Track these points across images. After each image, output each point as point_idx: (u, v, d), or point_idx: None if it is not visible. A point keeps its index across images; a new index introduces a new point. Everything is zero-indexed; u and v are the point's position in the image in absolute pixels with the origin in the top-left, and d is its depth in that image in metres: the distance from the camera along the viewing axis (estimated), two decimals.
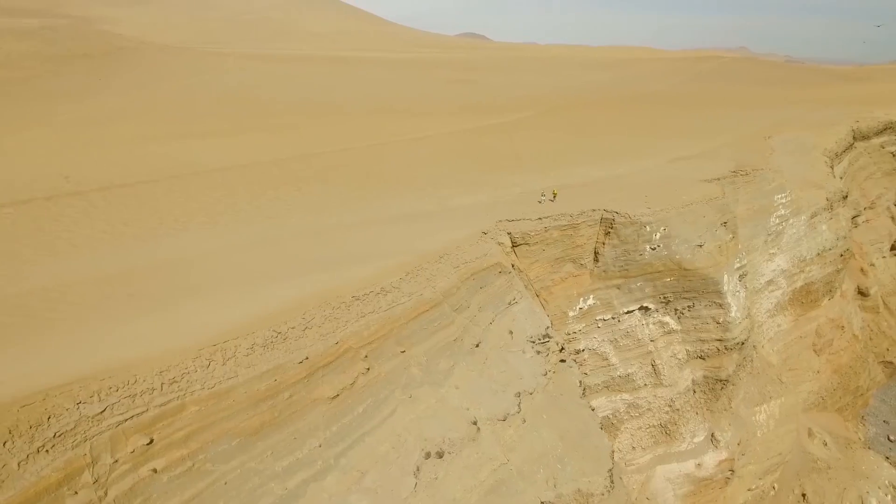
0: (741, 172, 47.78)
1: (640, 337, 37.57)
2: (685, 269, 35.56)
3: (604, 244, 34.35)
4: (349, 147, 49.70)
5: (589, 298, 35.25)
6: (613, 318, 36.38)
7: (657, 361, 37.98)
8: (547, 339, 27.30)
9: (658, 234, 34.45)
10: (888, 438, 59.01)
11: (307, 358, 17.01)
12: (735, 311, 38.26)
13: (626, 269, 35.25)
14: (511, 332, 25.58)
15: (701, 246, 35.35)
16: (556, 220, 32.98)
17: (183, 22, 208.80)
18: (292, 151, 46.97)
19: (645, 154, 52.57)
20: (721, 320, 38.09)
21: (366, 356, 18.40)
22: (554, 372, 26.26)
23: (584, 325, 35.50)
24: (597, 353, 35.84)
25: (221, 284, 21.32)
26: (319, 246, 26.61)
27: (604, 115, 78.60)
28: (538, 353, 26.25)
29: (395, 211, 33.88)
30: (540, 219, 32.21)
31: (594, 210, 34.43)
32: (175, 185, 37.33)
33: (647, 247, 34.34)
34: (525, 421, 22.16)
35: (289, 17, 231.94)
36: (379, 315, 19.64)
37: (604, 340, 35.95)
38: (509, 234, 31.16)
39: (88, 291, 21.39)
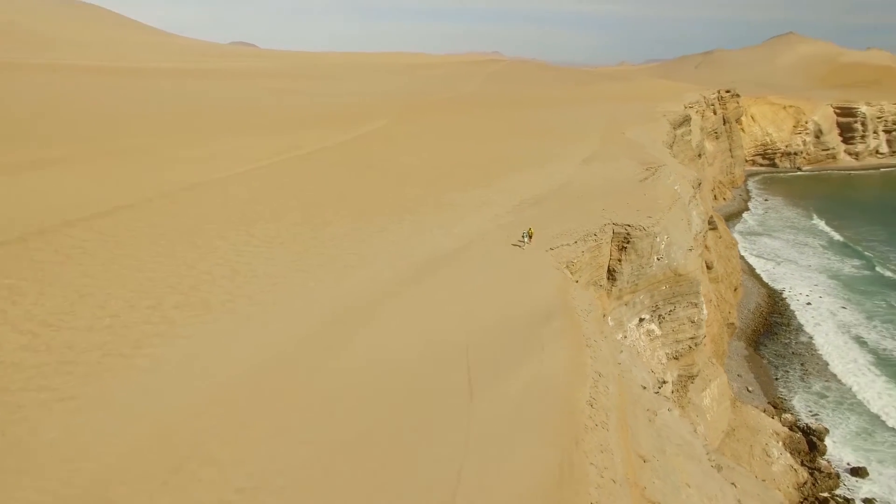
0: (650, 169, 53.99)
1: (639, 350, 39.61)
2: (679, 275, 38.66)
3: (619, 261, 35.21)
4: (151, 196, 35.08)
5: (608, 321, 35.70)
6: (624, 337, 37.58)
7: (651, 370, 40.59)
8: None
9: (664, 244, 36.64)
10: (747, 390, 73.15)
11: None
12: (704, 308, 43.03)
13: (637, 284, 36.76)
14: None
15: (691, 250, 38.72)
16: (585, 240, 32.39)
17: None
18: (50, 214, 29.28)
19: (556, 158, 55.85)
20: (696, 319, 42.49)
21: None
22: None
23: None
24: None
25: None
26: None
27: (468, 119, 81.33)
28: None
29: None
30: (576, 242, 31.24)
31: (605, 225, 34.91)
32: None
33: (655, 258, 36.27)
34: None
35: (40, 23, 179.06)
36: None
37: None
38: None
39: None
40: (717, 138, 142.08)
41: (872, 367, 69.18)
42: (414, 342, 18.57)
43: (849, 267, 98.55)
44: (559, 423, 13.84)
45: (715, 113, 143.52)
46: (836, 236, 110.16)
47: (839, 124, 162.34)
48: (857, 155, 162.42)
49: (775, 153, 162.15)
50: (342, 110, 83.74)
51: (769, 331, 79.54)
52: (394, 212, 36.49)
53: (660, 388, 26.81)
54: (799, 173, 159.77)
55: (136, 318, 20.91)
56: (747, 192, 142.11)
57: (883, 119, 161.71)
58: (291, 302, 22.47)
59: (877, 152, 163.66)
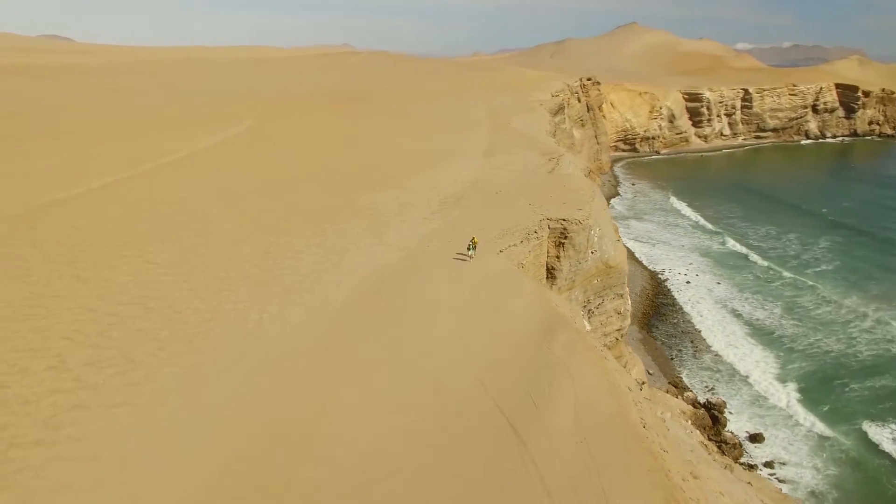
0: (553, 160, 55.94)
1: None
2: (609, 268, 40.12)
3: (558, 258, 35.63)
4: None
5: None
6: None
7: None
8: None
9: (597, 237, 37.73)
10: (648, 373, 78.69)
11: None
12: (628, 298, 45.24)
13: (573, 281, 37.50)
14: None
15: (618, 240, 40.33)
16: (528, 239, 32.38)
17: None
18: None
19: (457, 153, 56.03)
20: (622, 310, 44.56)
21: None
22: None
23: None
24: None
25: None
26: None
27: (345, 117, 78.55)
28: None
29: None
30: (522, 241, 31.07)
31: (541, 221, 35.19)
32: None
33: (591, 252, 37.24)
34: None
35: None
36: None
37: None
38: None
39: None
40: (582, 126, 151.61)
41: (748, 338, 76.88)
42: (417, 385, 16.74)
43: (716, 245, 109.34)
44: (639, 457, 12.98)
45: (579, 101, 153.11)
46: (701, 216, 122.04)
47: (688, 109, 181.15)
48: (705, 137, 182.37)
49: (635, 138, 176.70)
50: (197, 110, 77.22)
51: (657, 312, 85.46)
52: (309, 222, 33.81)
53: (640, 388, 27.26)
54: (658, 157, 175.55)
55: (38, 385, 16.88)
56: (615, 177, 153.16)
57: (724, 104, 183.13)
58: (242, 345, 19.51)
59: (721, 134, 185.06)
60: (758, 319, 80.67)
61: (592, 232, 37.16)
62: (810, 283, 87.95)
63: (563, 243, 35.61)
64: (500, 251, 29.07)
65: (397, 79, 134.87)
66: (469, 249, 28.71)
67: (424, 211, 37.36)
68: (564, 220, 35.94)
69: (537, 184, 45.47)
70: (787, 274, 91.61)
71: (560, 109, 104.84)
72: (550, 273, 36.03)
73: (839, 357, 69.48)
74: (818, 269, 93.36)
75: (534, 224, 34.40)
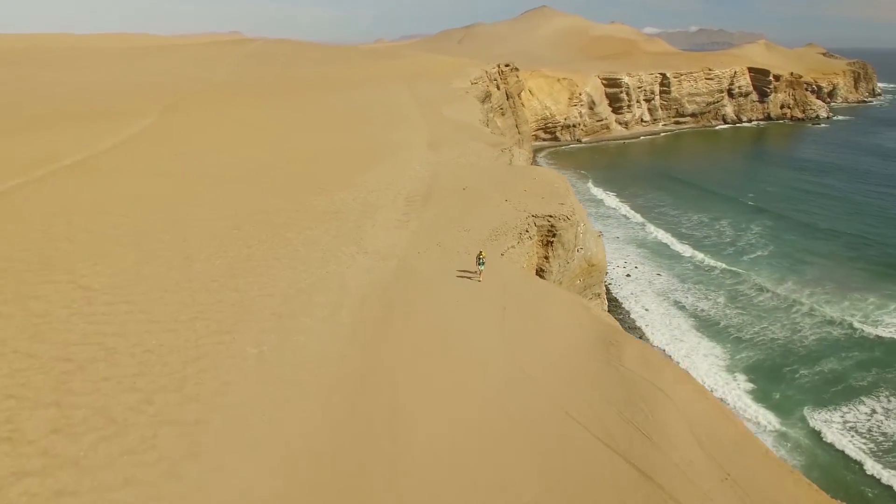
0: (505, 150, 55.53)
1: None
2: (592, 266, 39.77)
3: (547, 258, 34.71)
4: None
5: None
6: None
7: None
8: None
9: (581, 234, 37.15)
10: None
11: None
12: (605, 297, 45.21)
13: (560, 282, 36.73)
14: None
15: (599, 236, 40.01)
16: (522, 239, 31.21)
17: None
18: None
19: (401, 147, 54.35)
20: (602, 308, 44.32)
21: None
22: None
23: None
24: None
25: None
26: None
27: (261, 109, 74.09)
28: None
29: None
30: (519, 242, 29.86)
31: (527, 218, 34.19)
32: None
33: (577, 250, 36.62)
34: None
35: None
36: None
37: None
38: None
39: None
40: (503, 114, 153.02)
41: (695, 330, 79.71)
42: (488, 420, 14.80)
43: (650, 235, 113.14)
44: (806, 494, 11.85)
45: (498, 88, 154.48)
46: (631, 207, 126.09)
47: (608, 95, 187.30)
48: (626, 124, 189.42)
49: (556, 126, 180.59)
50: (88, 105, 70.29)
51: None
52: (265, 230, 30.82)
53: None
54: (580, 145, 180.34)
55: None
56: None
57: (642, 89, 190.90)
58: (251, 389, 16.75)
59: (641, 120, 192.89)
60: (702, 311, 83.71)
61: (579, 228, 36.45)
62: (749, 270, 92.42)
63: (552, 242, 34.64)
64: (502, 254, 27.53)
65: (305, 68, 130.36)
66: (479, 265, 26.42)
67: (394, 212, 35.21)
68: (551, 216, 34.98)
69: (503, 177, 44.38)
70: (725, 262, 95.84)
71: (487, 97, 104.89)
72: (539, 275, 34.96)
73: (786, 344, 73.05)
74: (754, 256, 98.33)
75: (522, 222, 33.16)
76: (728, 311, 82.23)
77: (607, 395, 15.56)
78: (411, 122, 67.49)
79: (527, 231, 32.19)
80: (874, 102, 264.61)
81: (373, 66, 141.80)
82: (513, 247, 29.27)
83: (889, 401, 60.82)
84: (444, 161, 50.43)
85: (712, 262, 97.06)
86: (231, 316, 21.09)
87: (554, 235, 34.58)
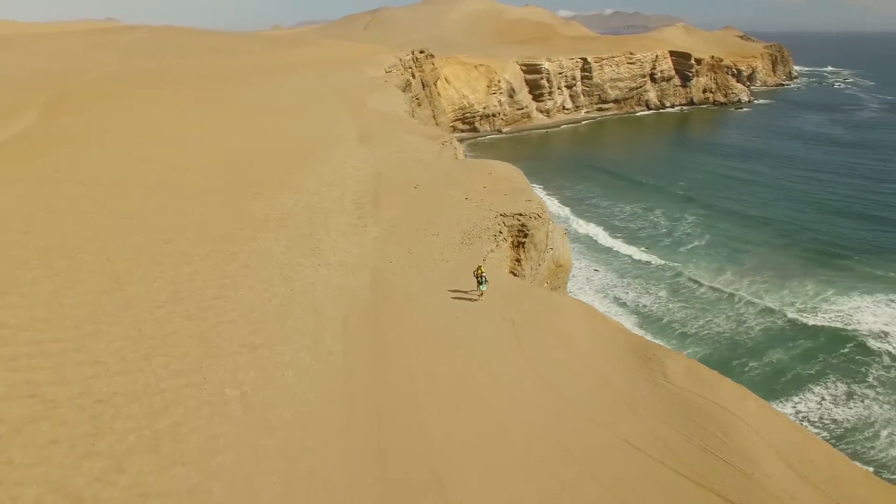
0: (445, 143, 54.78)
1: None
2: (559, 266, 39.39)
3: (518, 260, 33.94)
4: None
5: None
6: None
7: None
8: None
9: (551, 232, 36.66)
10: None
11: None
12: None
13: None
14: None
15: (564, 234, 39.70)
16: (498, 241, 30.27)
17: None
18: None
19: (333, 142, 52.30)
20: None
21: None
22: None
23: None
24: None
25: None
26: None
27: (165, 103, 69.33)
28: None
29: None
30: (497, 245, 28.90)
31: (496, 217, 33.31)
32: None
33: (549, 250, 36.12)
34: None
35: None
36: None
37: None
38: None
39: None
40: (419, 105, 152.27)
41: (638, 328, 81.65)
42: (542, 455, 13.51)
43: (583, 229, 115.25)
44: None
45: (414, 76, 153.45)
46: (559, 199, 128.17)
47: (528, 82, 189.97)
48: (548, 112, 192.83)
49: (474, 116, 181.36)
50: None
51: None
52: (202, 242, 28.23)
53: None
54: (501, 136, 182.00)
55: None
56: None
57: (563, 75, 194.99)
58: (246, 442, 14.67)
59: (563, 108, 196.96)
60: (644, 306, 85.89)
61: (550, 227, 35.83)
62: (687, 262, 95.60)
63: (524, 242, 33.79)
64: (484, 259, 26.34)
65: (204, 57, 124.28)
66: (481, 285, 24.31)
67: (345, 216, 33.33)
68: (521, 214, 34.12)
69: (454, 173, 43.29)
70: (663, 254, 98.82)
71: (407, 86, 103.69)
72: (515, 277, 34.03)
73: (732, 337, 75.88)
74: (691, 247, 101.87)
75: (492, 223, 32.11)
76: (671, 306, 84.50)
77: (666, 418, 14.70)
78: (335, 115, 65.24)
79: (500, 233, 31.17)
80: (792, 86, 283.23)
81: (278, 54, 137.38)
82: (492, 251, 28.15)
83: (836, 387, 64.16)
84: (382, 157, 48.76)
85: (650, 255, 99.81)
86: (193, 350, 18.79)
87: (525, 236, 33.74)
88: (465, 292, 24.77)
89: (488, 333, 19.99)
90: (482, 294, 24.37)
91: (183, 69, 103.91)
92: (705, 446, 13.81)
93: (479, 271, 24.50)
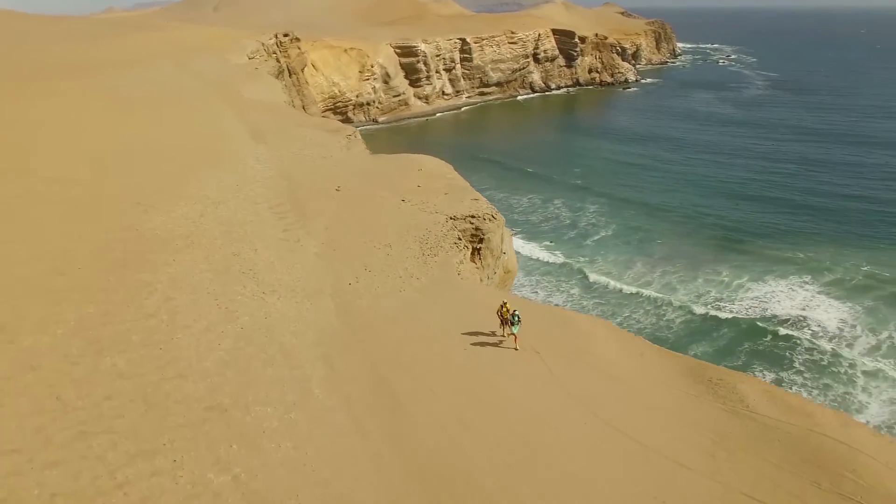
0: (350, 136, 52.82)
1: None
2: (507, 272, 38.30)
3: (461, 263, 32.35)
4: None
5: None
6: None
7: None
8: None
9: (503, 235, 35.44)
10: None
11: None
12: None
13: None
14: None
15: (513, 234, 38.58)
16: (461, 248, 28.56)
17: None
18: None
19: (223, 141, 48.58)
20: None
21: None
22: None
23: None
24: None
25: None
26: None
27: (33, 98, 61.70)
28: None
29: None
30: (466, 256, 27.15)
31: (446, 221, 31.62)
32: None
33: (503, 254, 34.89)
34: None
35: None
36: None
37: None
38: None
39: None
40: (286, 94, 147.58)
41: None
42: None
43: None
44: None
45: (278, 61, 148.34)
46: None
47: (403, 66, 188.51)
48: (426, 98, 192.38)
49: (347, 105, 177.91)
50: None
51: None
52: (107, 273, 24.33)
53: None
54: (377, 126, 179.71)
55: None
56: None
57: (441, 57, 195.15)
58: None
59: (443, 93, 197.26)
60: (557, 305, 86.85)
61: (504, 229, 34.41)
62: (596, 255, 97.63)
63: (479, 249, 32.12)
64: (458, 273, 24.41)
65: (40, 47, 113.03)
66: (512, 326, 20.78)
67: (269, 228, 30.22)
68: (473, 217, 32.44)
69: (376, 171, 41.05)
70: (570, 248, 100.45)
71: (280, 73, 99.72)
72: None
73: (654, 332, 78.15)
74: (597, 238, 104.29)
75: (445, 228, 30.22)
76: (585, 303, 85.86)
77: (773, 458, 13.44)
78: (213, 109, 60.86)
79: (459, 239, 29.31)
80: (677, 63, 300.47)
81: (129, 39, 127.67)
82: (462, 262, 26.25)
83: (764, 376, 67.43)
84: (284, 155, 45.59)
85: (556, 249, 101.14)
86: (142, 421, 15.51)
87: (481, 241, 32.08)
88: (485, 335, 21.76)
89: (512, 367, 18.06)
90: (516, 339, 20.93)
91: (18, 62, 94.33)
92: (839, 491, 12.67)
93: (505, 309, 21.27)
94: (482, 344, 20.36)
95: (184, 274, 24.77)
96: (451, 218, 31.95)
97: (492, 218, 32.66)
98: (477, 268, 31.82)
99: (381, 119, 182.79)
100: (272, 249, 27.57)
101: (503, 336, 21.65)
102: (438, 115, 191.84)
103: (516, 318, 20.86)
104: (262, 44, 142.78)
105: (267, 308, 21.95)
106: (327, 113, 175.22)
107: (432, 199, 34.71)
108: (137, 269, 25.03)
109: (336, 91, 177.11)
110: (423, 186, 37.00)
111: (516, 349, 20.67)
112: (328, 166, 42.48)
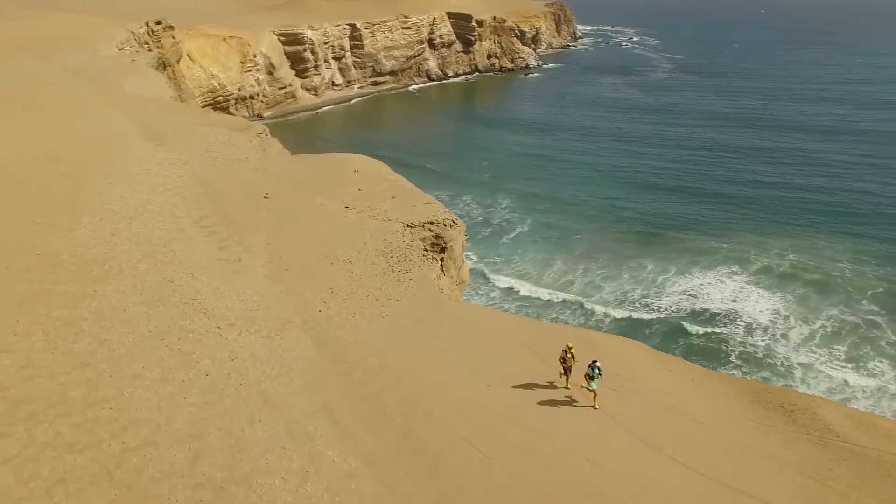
0: (261, 134, 50.64)
1: None
2: (462, 283, 36.92)
3: (439, 279, 30.79)
4: None
5: None
6: None
7: None
8: None
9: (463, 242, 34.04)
10: None
11: None
12: None
13: None
14: None
15: (465, 242, 37.24)
16: (429, 261, 26.92)
17: None
18: None
19: (111, 145, 45.12)
20: None
21: None
22: None
23: None
24: None
25: None
26: None
27: None
28: None
29: None
30: (443, 271, 25.53)
31: (403, 230, 29.90)
32: None
33: (463, 263, 33.46)
34: None
35: None
36: None
37: None
38: None
39: None
40: (172, 88, 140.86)
41: None
42: None
43: None
44: None
45: (150, 51, 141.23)
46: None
47: (289, 55, 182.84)
48: (315, 90, 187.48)
49: (228, 100, 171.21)
50: None
51: None
52: (15, 312, 21.11)
53: None
54: (262, 121, 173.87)
55: None
56: None
57: (330, 44, 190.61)
58: None
59: (333, 84, 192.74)
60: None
61: (464, 234, 32.81)
62: (514, 253, 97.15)
63: (442, 259, 30.36)
64: (442, 290, 22.59)
65: None
66: (592, 380, 18.07)
67: (201, 247, 27.33)
68: (433, 223, 30.61)
69: (305, 174, 38.64)
70: (485, 248, 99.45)
71: (160, 65, 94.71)
72: None
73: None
74: (514, 236, 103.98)
75: (405, 237, 28.31)
76: (507, 306, 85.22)
77: (882, 497, 12.39)
78: (94, 107, 56.32)
79: (426, 250, 27.45)
80: (578, 47, 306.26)
81: None
82: (438, 277, 24.41)
83: (714, 370, 68.81)
84: (192, 159, 42.31)
85: (471, 249, 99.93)
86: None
87: (443, 250, 30.29)
88: (554, 385, 19.18)
89: (554, 405, 16.33)
90: (595, 396, 18.18)
91: None
92: None
93: (570, 355, 18.60)
94: (507, 380, 18.54)
95: (111, 308, 21.75)
96: (407, 226, 30.02)
97: (452, 224, 30.95)
98: (438, 278, 30.09)
99: (266, 114, 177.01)
100: (212, 273, 24.79)
101: (567, 387, 19.19)
102: (329, 107, 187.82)
103: (596, 372, 18.23)
104: (133, 32, 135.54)
105: (230, 347, 19.36)
106: (207, 108, 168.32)
107: (379, 204, 32.64)
108: (51, 304, 21.83)
109: (216, 84, 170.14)
110: (365, 190, 34.85)
111: (595, 408, 18.22)
112: (247, 170, 39.56)
